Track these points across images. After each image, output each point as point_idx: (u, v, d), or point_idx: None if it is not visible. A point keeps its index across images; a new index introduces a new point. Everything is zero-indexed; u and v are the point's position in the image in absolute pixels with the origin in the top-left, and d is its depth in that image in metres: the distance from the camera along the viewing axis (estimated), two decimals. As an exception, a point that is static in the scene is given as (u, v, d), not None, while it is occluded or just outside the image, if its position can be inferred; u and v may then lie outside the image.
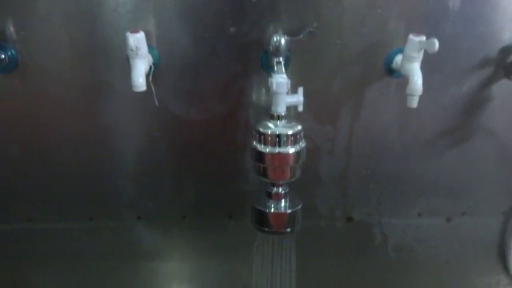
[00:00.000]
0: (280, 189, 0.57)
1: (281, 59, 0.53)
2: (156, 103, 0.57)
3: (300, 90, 0.54)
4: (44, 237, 0.67)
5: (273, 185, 0.57)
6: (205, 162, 0.64)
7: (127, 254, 0.69)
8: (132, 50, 0.49)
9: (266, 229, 0.57)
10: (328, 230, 0.71)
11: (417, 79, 0.52)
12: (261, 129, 0.53)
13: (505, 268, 0.77)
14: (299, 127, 0.53)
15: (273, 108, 0.53)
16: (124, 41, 0.50)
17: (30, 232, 0.66)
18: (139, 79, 0.49)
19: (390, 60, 0.58)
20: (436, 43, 0.48)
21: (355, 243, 0.73)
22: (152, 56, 0.54)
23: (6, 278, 0.69)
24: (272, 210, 0.57)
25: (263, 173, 0.55)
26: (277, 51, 0.53)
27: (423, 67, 0.54)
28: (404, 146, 0.66)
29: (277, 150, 0.52)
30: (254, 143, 0.54)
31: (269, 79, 0.52)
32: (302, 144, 0.54)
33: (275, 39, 0.52)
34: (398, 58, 0.56)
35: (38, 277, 0.69)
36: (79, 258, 0.69)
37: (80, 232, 0.67)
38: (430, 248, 0.75)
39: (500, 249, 0.75)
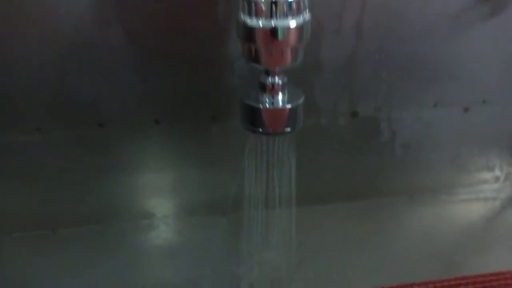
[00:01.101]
0: (277, 79, 0.42)
1: None
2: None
3: None
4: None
5: (268, 73, 0.42)
6: (177, 50, 0.49)
7: (95, 167, 0.56)
8: None
9: (260, 129, 0.43)
10: (329, 127, 0.58)
11: None
12: (250, -4, 0.37)
13: (517, 160, 0.66)
14: (302, -8, 0.37)
15: (265, -35, 0.37)
16: None
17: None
18: None
19: None
20: None
21: (359, 141, 0.61)
22: None
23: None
24: (267, 105, 0.42)
25: (255, 57, 0.40)
26: None
27: None
28: (426, 21, 0.52)
29: (273, 24, 0.37)
30: (242, 15, 0.38)
31: None
32: (306, 15, 0.38)
33: None
34: None
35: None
36: (37, 175, 0.55)
37: (31, 145, 0.52)
38: (440, 143, 0.64)
39: (515, 140, 0.65)
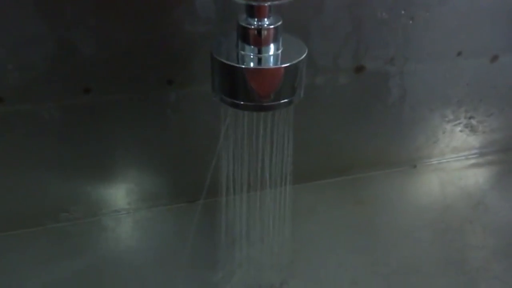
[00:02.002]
0: (266, 22, 0.25)
1: None
2: None
3: None
4: None
5: (253, 12, 0.25)
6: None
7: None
8: None
9: (242, 102, 0.27)
10: (326, 88, 0.43)
11: None
12: None
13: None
14: None
15: None
16: None
17: None
18: None
19: None
20: None
21: (362, 104, 0.47)
22: None
23: None
24: (252, 64, 0.26)
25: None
26: None
27: None
28: None
29: None
30: None
31: None
32: None
33: None
34: None
35: None
36: None
37: None
38: (456, 101, 0.51)
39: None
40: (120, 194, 0.46)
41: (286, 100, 0.28)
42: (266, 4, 0.25)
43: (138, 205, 0.47)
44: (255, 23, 0.26)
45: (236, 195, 0.39)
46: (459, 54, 0.45)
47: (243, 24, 0.26)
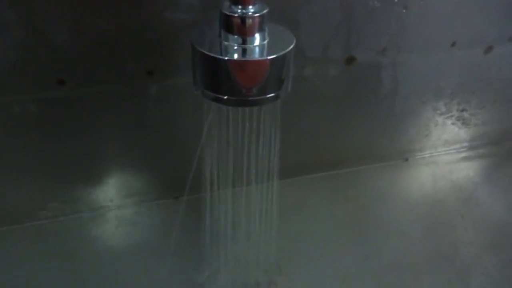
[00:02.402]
0: (251, 10, 0.23)
1: None
2: None
3: None
4: None
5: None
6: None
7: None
8: None
9: (225, 96, 0.25)
10: (315, 80, 0.41)
11: None
12: None
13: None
14: None
15: None
16: None
17: None
18: None
19: None
20: None
21: (352, 97, 0.44)
22: None
23: None
24: (236, 55, 0.24)
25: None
26: None
27: None
28: None
29: None
30: None
31: None
32: None
33: None
34: None
35: None
36: None
37: None
38: (449, 93, 0.50)
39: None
40: (101, 191, 0.44)
41: (272, 94, 0.26)
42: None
43: (121, 201, 0.45)
44: (239, 11, 0.24)
45: (221, 191, 0.37)
46: (453, 44, 0.44)
47: (226, 12, 0.24)
